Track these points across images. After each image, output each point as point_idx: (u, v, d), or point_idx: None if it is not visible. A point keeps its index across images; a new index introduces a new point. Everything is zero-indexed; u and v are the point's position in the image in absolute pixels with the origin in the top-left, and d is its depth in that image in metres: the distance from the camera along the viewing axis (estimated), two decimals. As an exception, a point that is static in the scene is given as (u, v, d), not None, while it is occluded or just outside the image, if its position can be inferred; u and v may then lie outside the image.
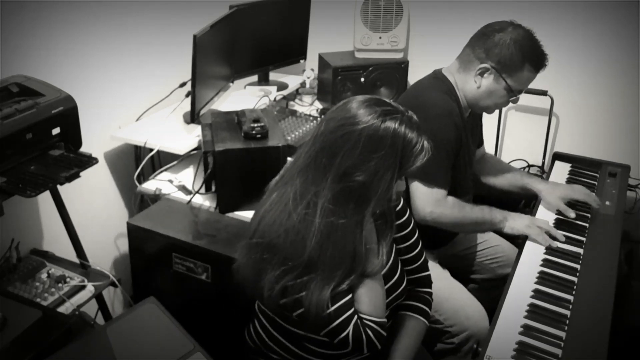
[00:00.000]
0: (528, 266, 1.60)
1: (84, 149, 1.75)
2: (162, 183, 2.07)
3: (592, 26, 2.39)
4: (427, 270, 1.53)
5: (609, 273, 1.57)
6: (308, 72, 2.88)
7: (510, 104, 1.83)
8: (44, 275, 1.75)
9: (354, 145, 1.15)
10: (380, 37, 2.62)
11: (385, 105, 1.19)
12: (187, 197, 1.96)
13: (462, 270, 2.06)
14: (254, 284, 1.27)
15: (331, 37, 2.86)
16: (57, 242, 1.98)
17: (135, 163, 2.24)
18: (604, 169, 2.13)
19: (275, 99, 2.65)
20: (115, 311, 2.28)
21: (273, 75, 2.82)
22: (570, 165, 2.20)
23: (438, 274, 1.84)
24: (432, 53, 2.69)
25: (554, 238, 1.71)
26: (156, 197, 2.01)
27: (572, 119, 2.56)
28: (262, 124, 1.85)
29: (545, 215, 1.85)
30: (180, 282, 1.81)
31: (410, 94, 1.88)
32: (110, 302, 2.24)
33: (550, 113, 2.52)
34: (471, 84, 1.77)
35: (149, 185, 2.05)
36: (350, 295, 1.26)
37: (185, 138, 2.16)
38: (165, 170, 2.17)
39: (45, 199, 1.84)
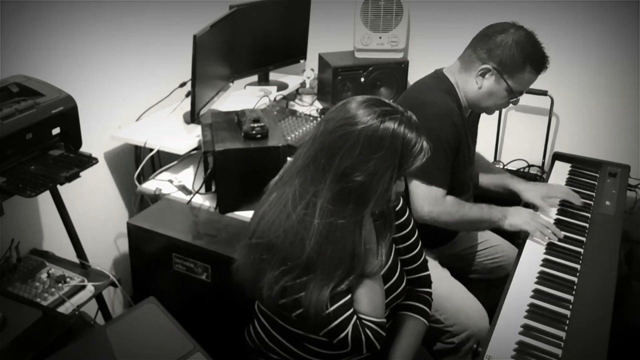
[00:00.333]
0: (528, 266, 1.60)
1: (84, 149, 1.75)
2: (162, 183, 2.07)
3: (592, 26, 2.39)
4: (427, 270, 1.53)
5: (609, 273, 1.57)
6: (308, 72, 2.88)
7: (510, 105, 1.84)
8: (44, 275, 1.75)
9: (353, 146, 1.15)
10: (380, 37, 2.62)
11: (385, 106, 1.19)
12: (187, 197, 1.96)
13: (462, 270, 2.06)
14: (254, 284, 1.27)
15: (331, 37, 2.86)
16: (57, 242, 1.98)
17: (135, 163, 2.24)
18: (604, 169, 2.13)
19: (275, 99, 2.65)
20: (115, 311, 2.28)
21: (273, 75, 2.82)
22: (570, 165, 2.20)
23: (438, 273, 1.84)
24: (432, 53, 2.69)
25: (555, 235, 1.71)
26: (156, 197, 2.02)
27: (572, 119, 2.56)
28: (262, 124, 1.85)
29: (546, 215, 1.85)
30: (180, 282, 1.81)
31: (410, 93, 1.88)
32: (110, 302, 2.24)
33: (550, 113, 2.52)
34: (472, 85, 1.78)
35: (149, 185, 2.05)
36: (349, 296, 1.26)
37: (185, 138, 2.16)
38: (165, 170, 2.17)
39: (45, 199, 1.84)
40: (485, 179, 2.09)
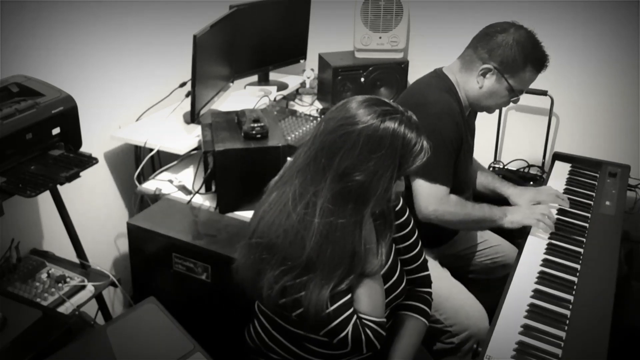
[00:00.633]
0: (528, 266, 1.60)
1: (84, 149, 1.75)
2: (162, 183, 2.07)
3: (592, 26, 2.39)
4: (427, 270, 1.53)
5: (609, 273, 1.57)
6: (308, 72, 2.88)
7: (511, 104, 1.84)
8: (44, 275, 1.75)
9: (353, 145, 1.15)
10: (380, 37, 2.62)
11: (385, 105, 1.19)
12: (187, 197, 1.96)
13: (462, 270, 2.06)
14: (253, 284, 1.27)
15: (331, 37, 2.86)
16: (57, 242, 1.98)
17: (135, 163, 2.24)
18: (604, 169, 2.13)
19: (275, 99, 2.65)
20: (115, 311, 2.28)
21: (273, 75, 2.82)
22: (570, 165, 2.20)
23: (438, 273, 1.84)
24: (432, 53, 2.69)
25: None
26: (156, 197, 2.02)
27: (572, 119, 2.56)
28: (262, 124, 1.85)
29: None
30: (180, 282, 1.81)
31: (411, 92, 1.88)
32: (110, 302, 2.24)
33: (550, 113, 2.52)
34: (473, 84, 1.78)
35: (149, 185, 2.05)
36: (349, 295, 1.26)
37: (185, 138, 2.16)
38: (165, 170, 2.17)
39: (45, 199, 1.84)
40: (477, 181, 2.09)
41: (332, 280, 1.22)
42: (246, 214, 1.85)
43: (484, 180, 2.08)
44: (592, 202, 1.94)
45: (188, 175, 2.12)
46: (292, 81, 2.85)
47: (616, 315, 1.40)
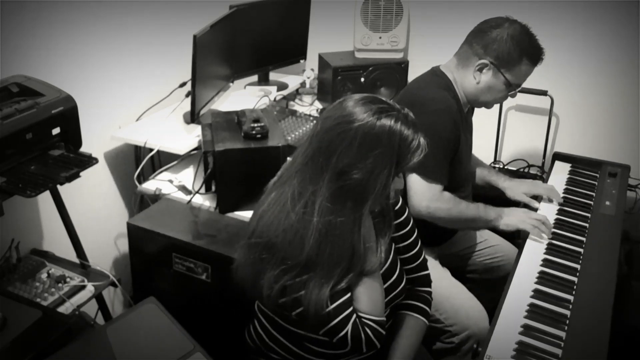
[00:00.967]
0: (528, 266, 1.60)
1: (84, 149, 1.75)
2: (162, 183, 2.07)
3: (592, 26, 2.39)
4: (427, 269, 1.53)
5: (609, 273, 1.57)
6: (308, 72, 2.88)
7: (511, 103, 1.85)
8: (44, 275, 1.75)
9: (350, 144, 1.16)
10: (380, 37, 2.62)
11: (381, 103, 1.19)
12: (187, 197, 1.96)
13: (462, 269, 2.06)
14: (253, 283, 1.27)
15: (331, 37, 2.86)
16: (57, 242, 1.98)
17: (135, 163, 2.24)
18: (604, 169, 2.13)
19: (275, 99, 2.65)
20: (115, 311, 2.28)
21: (273, 75, 2.82)
22: (570, 165, 2.20)
23: (438, 273, 1.84)
24: (432, 53, 2.68)
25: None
26: (156, 197, 2.01)
27: (572, 119, 2.56)
28: (262, 124, 1.85)
29: (546, 215, 1.85)
30: (180, 282, 1.81)
31: (409, 91, 1.88)
32: (110, 302, 2.24)
33: (550, 113, 2.51)
34: (470, 80, 1.79)
35: (149, 185, 2.05)
36: (348, 294, 1.26)
37: (185, 138, 2.16)
38: (165, 170, 2.17)
39: (45, 199, 1.84)
40: (476, 176, 2.10)
41: (332, 279, 1.22)
42: (246, 214, 1.85)
43: (480, 174, 2.09)
44: (592, 202, 1.94)
45: (188, 175, 2.12)
46: (292, 81, 2.85)
47: (616, 315, 1.40)
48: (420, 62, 2.60)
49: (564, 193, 1.98)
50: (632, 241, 2.28)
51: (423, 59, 2.68)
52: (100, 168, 2.20)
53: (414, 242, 1.48)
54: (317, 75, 2.83)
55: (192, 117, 2.16)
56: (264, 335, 1.46)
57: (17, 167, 1.58)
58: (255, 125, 1.84)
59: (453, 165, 1.77)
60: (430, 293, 1.53)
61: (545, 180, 2.13)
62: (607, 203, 1.92)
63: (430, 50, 2.70)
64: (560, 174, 2.13)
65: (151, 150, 2.13)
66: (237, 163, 1.81)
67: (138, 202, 2.16)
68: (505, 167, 2.62)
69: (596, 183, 2.06)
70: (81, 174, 1.63)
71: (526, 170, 2.59)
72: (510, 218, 1.76)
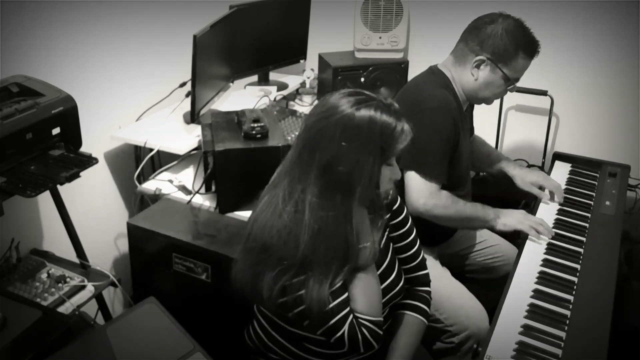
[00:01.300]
0: (528, 266, 1.60)
1: (84, 149, 1.75)
2: (162, 183, 2.07)
3: (592, 26, 2.39)
4: (425, 268, 1.53)
5: (609, 273, 1.57)
6: (308, 72, 2.88)
7: (510, 99, 1.85)
8: (44, 275, 1.75)
9: (332, 138, 1.17)
10: (380, 37, 2.62)
11: (360, 95, 1.21)
12: (187, 197, 1.96)
13: (462, 269, 2.06)
14: (253, 288, 1.27)
15: (331, 37, 2.86)
16: (57, 242, 1.98)
17: (135, 163, 2.24)
18: (604, 169, 2.13)
19: (275, 99, 2.65)
20: (115, 311, 2.28)
21: (273, 75, 2.82)
22: (570, 165, 2.20)
23: (438, 273, 1.84)
24: (432, 53, 2.67)
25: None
26: (156, 197, 2.01)
27: (572, 119, 2.56)
28: (262, 124, 1.85)
29: (545, 215, 1.85)
30: (180, 282, 1.81)
31: (407, 90, 1.89)
32: (110, 302, 2.24)
33: (550, 113, 2.51)
34: (468, 77, 1.79)
35: (149, 185, 2.05)
36: (345, 294, 1.27)
37: (185, 138, 2.16)
38: (165, 170, 2.17)
39: (45, 199, 1.84)
40: (484, 161, 2.11)
41: (330, 274, 1.22)
42: (246, 214, 1.85)
43: (493, 161, 2.09)
44: (592, 202, 1.94)
45: (188, 175, 2.12)
46: (292, 81, 2.85)
47: (616, 315, 1.40)
48: (420, 62, 2.59)
49: (564, 193, 1.98)
50: (632, 241, 2.28)
51: (423, 59, 2.67)
52: (100, 168, 2.20)
53: (413, 241, 1.48)
54: (317, 75, 2.83)
55: (192, 117, 2.16)
56: (263, 335, 1.46)
57: (17, 167, 1.58)
58: (255, 125, 1.84)
59: (452, 164, 1.77)
60: (429, 292, 1.53)
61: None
62: (607, 203, 1.92)
63: (430, 50, 2.69)
64: (560, 174, 2.13)
65: (151, 150, 2.13)
66: (237, 163, 1.81)
67: (138, 202, 2.16)
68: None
69: (596, 183, 2.06)
70: (81, 174, 1.63)
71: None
72: (508, 218, 1.76)
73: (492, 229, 1.83)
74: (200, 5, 2.58)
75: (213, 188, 1.95)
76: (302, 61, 2.86)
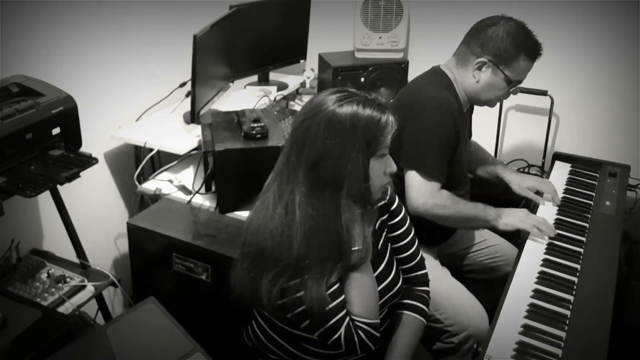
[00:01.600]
0: (528, 266, 1.60)
1: (84, 149, 1.75)
2: (162, 183, 2.07)
3: (592, 26, 2.39)
4: (424, 268, 1.53)
5: (609, 273, 1.57)
6: (308, 72, 2.88)
7: (512, 103, 1.85)
8: (44, 275, 1.75)
9: (316, 136, 1.18)
10: (380, 37, 2.62)
11: (343, 92, 1.22)
12: (187, 197, 1.96)
13: (462, 269, 2.06)
14: (252, 293, 1.27)
15: (331, 37, 2.86)
16: (57, 242, 1.98)
17: (135, 163, 2.24)
18: (604, 169, 2.13)
19: (275, 99, 2.65)
20: (115, 311, 2.28)
21: (273, 75, 2.82)
22: (570, 165, 2.20)
23: (438, 273, 1.84)
24: (432, 53, 2.68)
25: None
26: (156, 197, 2.01)
27: (572, 119, 2.56)
28: (262, 124, 1.85)
29: (545, 215, 1.85)
30: (180, 282, 1.81)
31: (409, 90, 1.89)
32: (110, 302, 2.24)
33: (550, 113, 2.51)
34: (470, 79, 1.79)
35: (149, 185, 2.05)
36: (342, 297, 1.27)
37: (185, 138, 2.16)
38: (165, 170, 2.17)
39: (45, 199, 1.84)
40: (480, 167, 2.11)
41: (325, 272, 1.22)
42: (246, 214, 1.84)
43: (488, 167, 2.09)
44: (592, 202, 1.94)
45: (188, 175, 2.12)
46: (292, 81, 2.85)
47: (616, 315, 1.40)
48: (420, 62, 2.60)
49: (564, 193, 1.99)
50: (632, 241, 2.28)
51: (423, 59, 2.68)
52: (100, 168, 2.20)
53: (411, 241, 1.48)
54: (317, 75, 2.83)
55: (192, 117, 2.16)
56: (262, 335, 1.46)
57: (17, 167, 1.58)
58: (255, 125, 1.84)
59: (451, 164, 1.77)
60: (428, 292, 1.53)
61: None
62: (607, 203, 1.92)
63: (430, 50, 2.70)
64: (560, 174, 2.13)
65: (151, 150, 2.13)
66: (237, 163, 1.81)
67: (138, 202, 2.16)
68: (505, 167, 2.62)
69: (596, 183, 2.06)
70: (81, 174, 1.63)
71: (526, 170, 2.59)
72: (510, 218, 1.76)
73: (494, 229, 1.83)
74: (200, 5, 2.58)
75: (213, 188, 1.95)
76: (302, 61, 2.86)
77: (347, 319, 1.26)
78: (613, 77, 2.42)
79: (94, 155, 1.71)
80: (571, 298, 1.47)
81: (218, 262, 1.71)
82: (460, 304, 1.79)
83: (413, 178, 1.70)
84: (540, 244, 1.70)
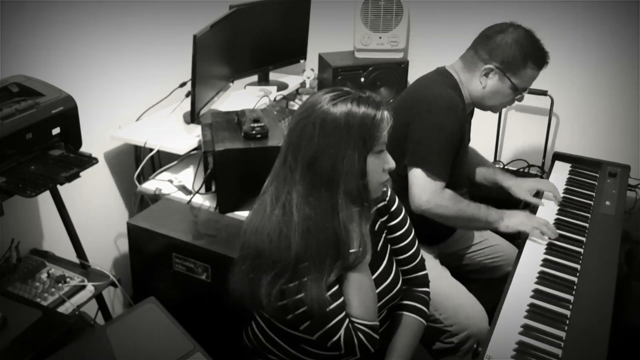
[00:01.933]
0: (528, 266, 1.60)
1: (84, 149, 1.75)
2: (162, 183, 2.07)
3: (592, 26, 2.39)
4: (424, 269, 1.53)
5: (609, 273, 1.56)
6: (308, 72, 2.88)
7: (515, 102, 1.86)
8: (44, 275, 1.75)
9: (311, 135, 1.19)
10: (380, 37, 2.62)
11: (337, 91, 1.22)
12: (187, 197, 1.96)
13: (462, 269, 2.06)
14: (252, 295, 1.26)
15: (331, 37, 2.86)
16: (57, 242, 1.98)
17: (135, 163, 2.24)
18: (604, 169, 2.13)
19: (275, 99, 2.65)
20: (115, 311, 2.28)
21: (273, 75, 2.82)
22: (570, 165, 2.19)
23: (438, 273, 1.84)
24: (432, 53, 2.69)
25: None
26: (156, 197, 2.02)
27: (572, 119, 2.56)
28: (262, 124, 1.85)
29: (546, 215, 1.85)
30: (180, 282, 1.81)
31: (415, 89, 1.89)
32: (110, 302, 2.24)
33: (550, 113, 2.51)
34: (477, 85, 1.80)
35: (149, 185, 2.05)
36: (341, 299, 1.27)
37: (185, 138, 2.16)
38: (165, 170, 2.17)
39: (45, 199, 1.84)
40: (477, 174, 2.11)
41: (324, 271, 1.22)
42: (246, 214, 1.83)
43: (486, 173, 2.09)
44: (592, 202, 1.94)
45: (188, 175, 2.12)
46: (292, 81, 2.85)
47: (616, 315, 1.40)
48: (420, 62, 2.60)
49: (564, 193, 1.99)
50: (632, 241, 2.27)
51: (423, 59, 2.69)
52: (100, 168, 2.20)
53: (411, 242, 1.48)
54: (317, 75, 2.83)
55: (192, 117, 2.16)
56: (261, 336, 1.46)
57: (17, 167, 1.57)
58: (255, 125, 1.84)
59: (453, 164, 1.77)
60: (428, 293, 1.53)
61: (545, 180, 2.13)
62: (607, 203, 1.92)
63: (430, 50, 2.70)
64: (560, 174, 2.13)
65: (151, 150, 2.13)
66: (237, 163, 1.81)
67: (138, 202, 2.16)
68: (505, 167, 2.62)
69: (596, 183, 2.06)
70: (81, 174, 1.63)
71: (526, 170, 2.59)
72: (512, 220, 1.75)
73: (495, 231, 1.83)
74: (200, 5, 2.58)
75: (213, 188, 1.95)
76: (302, 61, 2.86)
77: (347, 321, 1.26)
78: (613, 77, 2.42)
79: (94, 155, 1.71)
80: (571, 298, 1.47)
81: (218, 262, 1.71)
82: (460, 303, 1.79)
83: (417, 176, 1.71)
84: (540, 244, 1.70)
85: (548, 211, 1.88)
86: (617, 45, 2.37)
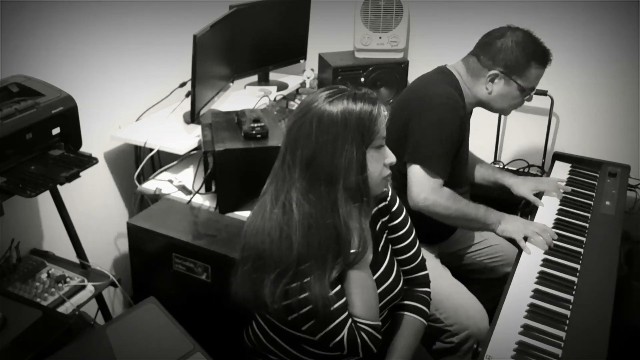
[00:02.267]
0: (528, 266, 1.60)
1: (84, 149, 1.76)
2: (162, 183, 2.07)
3: (592, 26, 2.39)
4: (425, 269, 1.53)
5: (609, 273, 1.56)
6: (308, 72, 2.88)
7: (525, 102, 1.87)
8: (44, 275, 1.75)
9: (309, 134, 1.19)
10: (380, 37, 2.62)
11: (332, 89, 1.23)
12: (187, 197, 1.96)
13: (462, 269, 2.06)
14: (255, 296, 1.26)
15: (331, 37, 2.86)
16: (57, 242, 1.98)
17: (135, 163, 2.24)
18: (604, 169, 2.13)
19: (275, 99, 2.65)
20: (115, 311, 2.28)
21: (273, 75, 2.82)
22: (570, 165, 2.19)
23: (439, 272, 1.85)
24: (432, 53, 2.68)
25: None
26: (156, 197, 2.02)
27: (572, 119, 2.56)
28: (262, 124, 1.85)
29: (544, 218, 1.85)
30: (180, 282, 1.81)
31: (415, 87, 1.89)
32: (110, 302, 2.24)
33: (550, 113, 2.51)
34: (483, 90, 1.81)
35: (149, 185, 2.05)
36: (344, 299, 1.26)
37: (185, 138, 2.16)
38: (165, 170, 2.17)
39: (45, 199, 1.84)
40: (477, 174, 2.11)
41: (327, 268, 1.22)
42: (246, 214, 1.84)
43: (484, 173, 2.09)
44: (592, 202, 1.94)
45: (188, 175, 2.12)
46: (292, 81, 2.85)
47: (616, 315, 1.40)
48: (420, 62, 2.60)
49: (564, 193, 1.98)
50: (632, 241, 2.27)
51: (423, 59, 2.69)
52: (100, 168, 2.20)
53: (412, 242, 1.48)
54: (317, 75, 2.83)
55: (192, 117, 2.16)
56: (262, 336, 1.46)
57: (17, 167, 1.58)
58: (255, 125, 1.84)
59: (454, 163, 1.77)
60: (428, 293, 1.53)
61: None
62: (607, 203, 1.92)
63: (430, 50, 2.70)
64: (560, 174, 2.12)
65: (151, 150, 2.13)
66: (237, 163, 1.81)
67: (138, 202, 2.16)
68: (505, 168, 2.62)
69: (596, 183, 2.06)
70: (81, 174, 1.63)
71: (526, 170, 2.59)
72: (508, 225, 1.75)
73: (492, 233, 1.83)
74: (200, 5, 2.58)
75: (213, 188, 1.95)
76: (302, 61, 2.86)
77: (350, 321, 1.26)
78: (613, 77, 2.42)
79: (94, 155, 1.71)
80: (571, 298, 1.47)
81: (218, 262, 1.71)
82: (461, 303, 1.79)
83: (416, 173, 1.71)
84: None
85: (548, 211, 1.88)
86: (617, 45, 2.37)
